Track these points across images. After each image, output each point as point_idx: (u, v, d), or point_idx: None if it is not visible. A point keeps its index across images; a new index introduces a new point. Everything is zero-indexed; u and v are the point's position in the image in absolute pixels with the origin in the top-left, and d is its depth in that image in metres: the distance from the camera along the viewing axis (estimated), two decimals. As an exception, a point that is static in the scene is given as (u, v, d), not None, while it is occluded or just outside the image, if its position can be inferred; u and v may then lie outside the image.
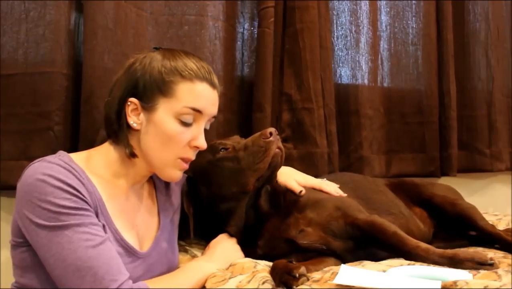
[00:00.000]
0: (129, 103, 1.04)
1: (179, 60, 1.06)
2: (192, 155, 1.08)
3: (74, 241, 0.89)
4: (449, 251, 1.04)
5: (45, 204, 0.90)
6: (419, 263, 1.04)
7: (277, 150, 1.12)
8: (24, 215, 0.92)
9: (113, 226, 1.00)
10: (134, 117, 1.05)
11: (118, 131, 1.06)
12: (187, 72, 1.04)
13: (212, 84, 1.08)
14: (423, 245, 1.08)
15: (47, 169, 0.93)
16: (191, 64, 1.06)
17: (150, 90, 1.04)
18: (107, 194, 1.03)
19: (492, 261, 0.98)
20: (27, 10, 1.34)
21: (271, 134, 1.11)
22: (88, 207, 0.94)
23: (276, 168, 1.17)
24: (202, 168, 1.20)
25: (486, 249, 1.30)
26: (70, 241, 0.89)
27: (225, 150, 1.18)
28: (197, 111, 1.05)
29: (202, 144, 1.08)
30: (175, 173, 1.08)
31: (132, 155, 1.05)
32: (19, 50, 1.33)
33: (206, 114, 1.07)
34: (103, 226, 0.97)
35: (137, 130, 1.05)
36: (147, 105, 1.04)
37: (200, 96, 1.05)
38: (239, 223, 1.19)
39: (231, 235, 1.20)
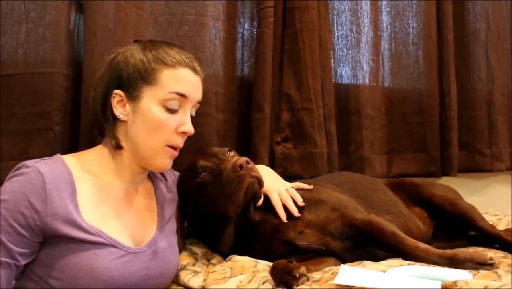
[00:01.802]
0: (114, 95, 1.07)
1: (160, 49, 1.08)
2: (180, 142, 1.09)
3: None
4: (449, 252, 1.03)
5: None
6: (418, 263, 1.04)
7: (251, 179, 1.09)
8: None
9: (92, 227, 0.99)
10: (120, 108, 1.07)
11: (104, 124, 1.08)
12: (169, 59, 1.07)
13: (195, 70, 1.10)
14: (422, 245, 1.07)
15: (19, 174, 0.96)
16: (172, 51, 1.08)
17: (134, 80, 1.06)
18: (98, 194, 1.04)
19: (491, 261, 0.98)
20: (27, 10, 1.34)
21: (241, 167, 1.08)
22: (17, 225, 0.92)
23: (255, 194, 1.14)
24: (186, 189, 1.21)
25: (486, 249, 1.30)
26: None
27: (205, 172, 1.15)
28: (182, 96, 1.07)
29: (189, 129, 1.09)
30: (165, 161, 1.09)
31: (118, 146, 1.07)
32: (19, 51, 1.33)
33: (190, 99, 1.09)
34: (70, 235, 0.96)
35: (124, 122, 1.07)
36: (132, 95, 1.06)
37: (184, 81, 1.07)
38: (229, 240, 1.20)
39: (223, 253, 1.20)
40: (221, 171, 1.11)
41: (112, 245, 1.01)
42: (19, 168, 0.98)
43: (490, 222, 1.44)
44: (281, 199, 1.23)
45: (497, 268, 0.97)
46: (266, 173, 1.33)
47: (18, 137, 1.32)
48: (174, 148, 1.09)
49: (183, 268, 1.17)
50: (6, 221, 0.92)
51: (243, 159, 1.08)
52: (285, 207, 1.22)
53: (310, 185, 1.30)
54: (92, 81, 1.34)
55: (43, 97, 1.33)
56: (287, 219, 1.20)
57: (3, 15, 1.33)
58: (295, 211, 1.20)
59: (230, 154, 1.19)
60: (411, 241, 1.09)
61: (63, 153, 1.14)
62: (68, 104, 1.37)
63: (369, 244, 1.16)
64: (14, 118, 1.32)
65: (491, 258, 0.98)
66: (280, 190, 1.25)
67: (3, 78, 1.32)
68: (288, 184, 1.30)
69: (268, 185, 1.25)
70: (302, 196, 1.25)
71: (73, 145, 1.36)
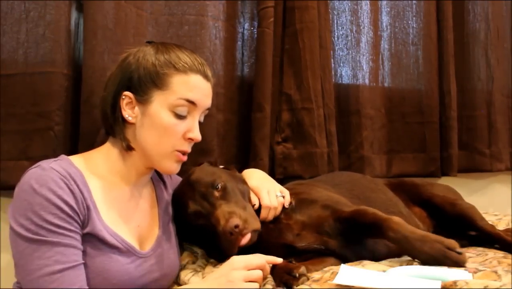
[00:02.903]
0: (123, 97, 1.06)
1: (172, 53, 1.07)
2: (187, 148, 1.09)
3: (44, 259, 0.90)
4: (421, 231, 1.04)
5: (31, 214, 0.91)
6: (416, 263, 1.03)
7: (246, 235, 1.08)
8: (13, 218, 0.93)
9: (109, 229, 1.01)
10: (129, 111, 1.06)
11: (114, 125, 1.08)
12: (181, 65, 1.06)
13: (206, 76, 1.09)
14: (396, 218, 1.07)
15: (40, 177, 0.94)
16: (184, 56, 1.07)
17: (145, 83, 1.05)
18: (107, 195, 1.04)
19: (460, 251, 0.98)
20: (27, 10, 1.34)
21: (231, 234, 1.05)
22: (70, 226, 0.93)
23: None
24: (180, 221, 1.20)
25: (486, 249, 1.30)
26: (41, 257, 0.90)
27: (197, 218, 1.14)
28: (192, 103, 1.06)
29: (197, 136, 1.08)
30: (172, 165, 1.09)
31: (129, 148, 1.07)
32: (19, 50, 1.33)
33: (200, 106, 1.08)
34: (90, 233, 0.97)
35: (133, 124, 1.07)
36: (142, 98, 1.05)
37: (194, 87, 1.06)
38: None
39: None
40: (214, 225, 1.09)
41: (126, 249, 1.02)
42: (36, 170, 0.96)
43: (490, 222, 1.44)
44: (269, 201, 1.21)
45: (465, 260, 0.97)
46: (257, 176, 1.32)
47: (18, 137, 1.32)
48: (182, 152, 1.08)
49: (184, 267, 1.17)
50: (57, 227, 0.92)
51: (232, 224, 1.05)
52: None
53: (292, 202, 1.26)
54: (92, 81, 1.34)
55: (43, 97, 1.33)
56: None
57: (3, 15, 1.32)
58: (269, 218, 1.19)
59: (219, 189, 1.14)
60: (386, 216, 1.09)
61: (63, 153, 1.14)
62: (68, 104, 1.36)
63: (358, 234, 1.15)
64: (14, 118, 1.32)
65: (460, 248, 0.99)
66: (270, 193, 1.22)
67: (3, 77, 1.31)
68: (279, 188, 1.27)
69: (260, 186, 1.24)
70: (295, 198, 1.24)
71: (73, 145, 1.36)
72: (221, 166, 1.32)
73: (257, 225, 1.12)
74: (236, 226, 1.05)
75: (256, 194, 1.23)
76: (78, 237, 0.95)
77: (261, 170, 1.39)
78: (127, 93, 1.06)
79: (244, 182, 1.26)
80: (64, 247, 0.91)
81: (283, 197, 1.24)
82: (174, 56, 1.06)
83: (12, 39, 1.33)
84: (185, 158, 1.10)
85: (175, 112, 1.05)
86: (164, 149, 1.06)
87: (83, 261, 0.95)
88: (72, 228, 0.94)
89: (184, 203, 1.16)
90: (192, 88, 1.06)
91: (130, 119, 1.06)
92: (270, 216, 1.20)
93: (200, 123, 1.12)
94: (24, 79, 1.33)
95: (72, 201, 0.94)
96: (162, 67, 1.05)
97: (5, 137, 1.31)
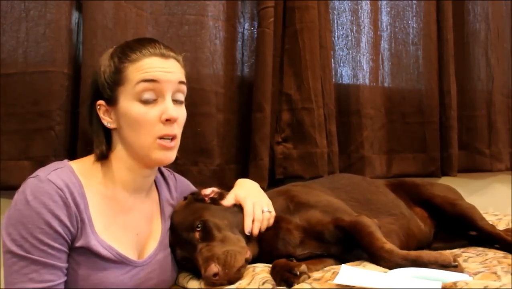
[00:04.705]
0: (98, 106, 1.07)
1: (126, 48, 1.07)
2: (168, 130, 1.05)
3: (20, 274, 0.91)
4: (413, 253, 1.01)
5: (19, 225, 0.92)
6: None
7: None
8: (4, 225, 0.94)
9: (103, 243, 1.01)
10: (107, 118, 1.07)
11: (94, 137, 1.09)
12: (133, 56, 1.05)
13: (162, 55, 1.06)
14: (388, 246, 1.05)
15: (35, 189, 0.95)
16: (138, 46, 1.06)
17: (109, 86, 1.06)
18: (105, 205, 1.04)
19: (455, 263, 0.96)
20: (27, 9, 1.33)
21: (213, 282, 1.01)
22: (55, 243, 0.94)
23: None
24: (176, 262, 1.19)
25: (486, 249, 1.30)
26: (18, 272, 0.91)
27: (185, 262, 1.14)
28: (152, 81, 1.03)
29: (171, 114, 1.04)
30: (160, 155, 1.05)
31: (102, 157, 1.07)
32: (19, 49, 1.33)
33: (164, 82, 1.04)
34: (84, 247, 0.98)
35: (116, 129, 1.07)
36: (111, 100, 1.06)
37: (149, 67, 1.04)
38: None
39: None
40: (200, 268, 1.06)
41: (121, 261, 1.02)
42: (33, 180, 0.97)
43: (490, 222, 1.44)
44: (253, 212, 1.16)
45: (462, 271, 0.95)
46: (247, 187, 1.27)
47: (18, 137, 1.32)
48: (165, 138, 1.05)
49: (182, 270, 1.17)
50: (40, 242, 0.92)
51: (210, 273, 1.00)
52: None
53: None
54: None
55: (43, 96, 1.33)
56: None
57: (3, 14, 1.32)
58: (255, 231, 1.14)
59: (199, 228, 1.10)
60: (380, 242, 1.07)
61: (64, 153, 1.14)
62: (68, 103, 1.36)
63: (356, 246, 1.13)
64: (14, 118, 1.31)
65: (455, 260, 0.96)
66: (255, 204, 1.17)
67: (3, 77, 1.31)
68: (267, 202, 1.21)
69: (246, 196, 1.19)
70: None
71: (74, 145, 1.36)
72: (209, 190, 1.23)
73: (240, 260, 1.04)
74: (215, 275, 1.00)
75: (241, 204, 1.18)
76: (61, 255, 0.95)
77: (254, 182, 1.32)
78: (100, 102, 1.07)
79: (227, 208, 1.19)
80: (42, 266, 0.92)
81: (270, 212, 1.18)
82: (127, 50, 1.06)
83: (12, 38, 1.33)
84: (171, 144, 1.06)
85: (141, 99, 1.03)
86: (145, 141, 1.04)
87: (60, 280, 0.95)
88: (56, 245, 0.94)
89: (173, 249, 1.16)
90: (146, 69, 1.03)
91: (109, 125, 1.07)
92: (255, 230, 1.14)
93: (181, 102, 1.09)
94: (24, 79, 1.32)
95: (63, 216, 0.95)
96: (118, 65, 1.05)
97: (5, 137, 1.31)
